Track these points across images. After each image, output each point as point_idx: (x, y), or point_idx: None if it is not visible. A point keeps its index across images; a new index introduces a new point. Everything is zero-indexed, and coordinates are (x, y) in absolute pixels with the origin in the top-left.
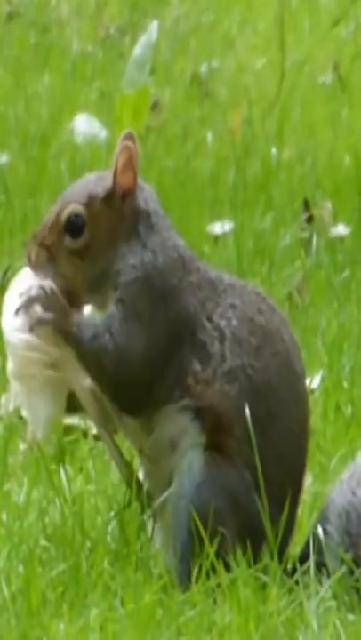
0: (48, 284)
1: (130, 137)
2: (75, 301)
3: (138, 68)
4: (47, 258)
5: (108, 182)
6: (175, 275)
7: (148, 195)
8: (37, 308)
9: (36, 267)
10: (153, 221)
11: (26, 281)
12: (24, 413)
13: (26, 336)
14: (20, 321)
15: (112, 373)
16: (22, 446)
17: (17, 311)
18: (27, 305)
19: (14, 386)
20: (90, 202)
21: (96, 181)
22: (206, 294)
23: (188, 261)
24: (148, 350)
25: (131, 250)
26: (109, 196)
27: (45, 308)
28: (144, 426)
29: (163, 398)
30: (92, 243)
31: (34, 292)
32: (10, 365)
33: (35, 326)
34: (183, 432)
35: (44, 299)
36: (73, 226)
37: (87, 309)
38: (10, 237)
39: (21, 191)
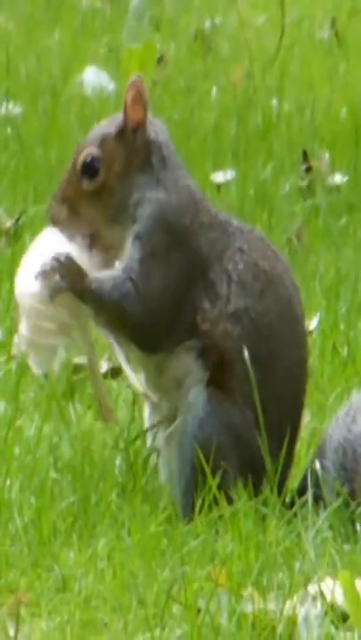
0: (62, 253)
1: (137, 77)
2: (98, 244)
3: (137, 19)
4: (68, 212)
5: (119, 120)
6: (188, 215)
7: (158, 128)
8: (54, 278)
9: (58, 223)
10: (165, 154)
11: (44, 246)
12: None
13: (39, 305)
14: (35, 289)
15: (136, 317)
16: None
17: (35, 278)
18: (43, 277)
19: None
20: (103, 142)
21: (107, 123)
22: (217, 235)
23: (198, 202)
24: (167, 288)
25: (146, 181)
26: (121, 132)
27: (62, 276)
28: (151, 366)
29: (178, 336)
30: (108, 179)
31: (48, 264)
32: (23, 329)
33: (54, 295)
34: (188, 371)
35: (59, 267)
36: (89, 168)
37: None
38: (24, 184)
39: (33, 140)
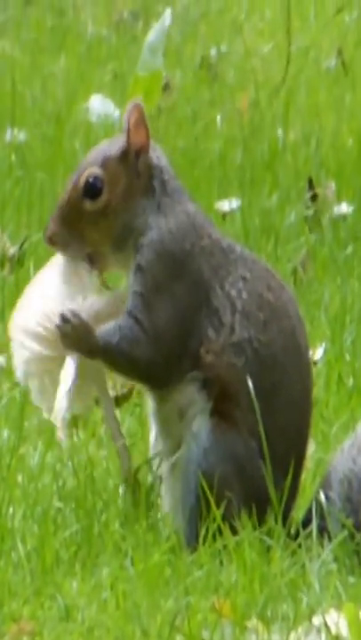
0: (68, 312)
1: (137, 102)
2: (99, 266)
3: (152, 53)
4: (67, 232)
5: (122, 142)
6: (188, 239)
7: (159, 153)
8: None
9: (56, 243)
10: (165, 178)
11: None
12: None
13: (38, 347)
14: (36, 332)
15: (148, 358)
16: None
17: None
18: (50, 339)
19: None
20: (105, 162)
21: (109, 145)
22: (219, 261)
23: (199, 226)
24: (174, 319)
25: (149, 206)
26: (124, 154)
27: (68, 342)
28: (154, 397)
29: (184, 368)
30: (111, 201)
31: (54, 327)
32: (18, 365)
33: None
34: (192, 401)
35: (66, 331)
36: (91, 188)
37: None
38: (27, 211)
39: (38, 168)
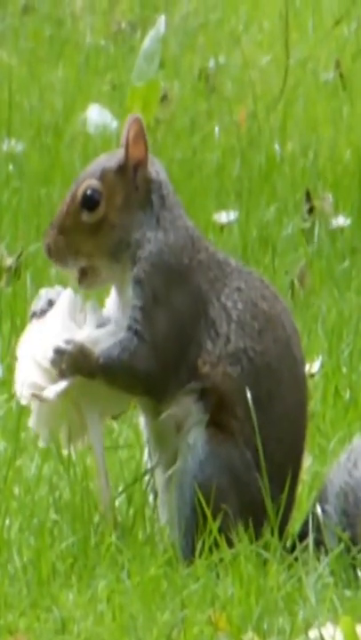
0: (64, 341)
1: (137, 115)
2: (89, 282)
3: (147, 61)
4: (65, 244)
5: (120, 156)
6: (186, 254)
7: (158, 167)
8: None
9: (54, 254)
10: (164, 193)
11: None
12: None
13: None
14: (40, 382)
15: (149, 370)
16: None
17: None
18: (48, 372)
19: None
20: (103, 175)
21: (108, 158)
22: (215, 274)
23: (196, 241)
24: (173, 331)
25: (147, 219)
26: (122, 168)
27: (68, 368)
28: (150, 409)
29: (181, 379)
30: (108, 213)
31: (52, 359)
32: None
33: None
34: (188, 413)
35: (64, 359)
36: (89, 200)
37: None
38: (24, 222)
39: (35, 178)
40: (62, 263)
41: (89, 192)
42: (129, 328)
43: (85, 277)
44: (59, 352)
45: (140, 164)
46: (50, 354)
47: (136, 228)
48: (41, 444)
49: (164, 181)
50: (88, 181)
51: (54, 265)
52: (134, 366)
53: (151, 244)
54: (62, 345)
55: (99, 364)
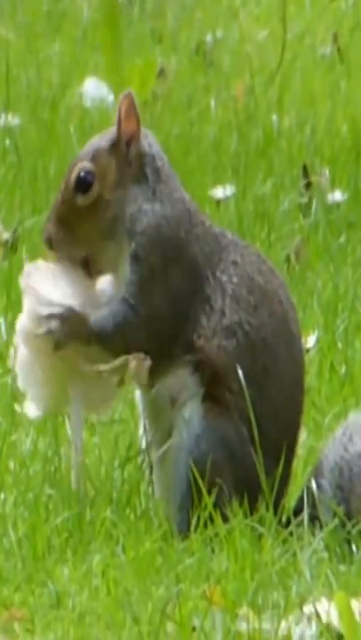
0: (58, 305)
1: (128, 92)
2: (94, 271)
3: None
4: (64, 232)
5: (112, 134)
6: (183, 227)
7: (151, 140)
8: (55, 334)
9: (54, 244)
10: (158, 165)
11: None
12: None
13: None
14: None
15: (140, 345)
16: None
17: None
18: (46, 332)
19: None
20: (95, 155)
21: (100, 138)
22: (211, 248)
23: (193, 214)
24: (170, 306)
25: (141, 192)
26: (115, 145)
27: (64, 331)
28: (145, 384)
29: (176, 353)
30: (102, 192)
31: (48, 322)
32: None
33: (59, 347)
34: (183, 386)
35: (60, 322)
36: (82, 183)
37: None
38: (20, 196)
39: (32, 152)
40: (64, 253)
41: (82, 174)
42: (124, 300)
43: (90, 268)
44: (50, 316)
45: (133, 139)
46: (43, 323)
47: (132, 203)
48: (26, 410)
49: (158, 154)
50: (80, 165)
51: (56, 256)
52: (128, 340)
53: (148, 217)
54: (53, 310)
55: (94, 330)
